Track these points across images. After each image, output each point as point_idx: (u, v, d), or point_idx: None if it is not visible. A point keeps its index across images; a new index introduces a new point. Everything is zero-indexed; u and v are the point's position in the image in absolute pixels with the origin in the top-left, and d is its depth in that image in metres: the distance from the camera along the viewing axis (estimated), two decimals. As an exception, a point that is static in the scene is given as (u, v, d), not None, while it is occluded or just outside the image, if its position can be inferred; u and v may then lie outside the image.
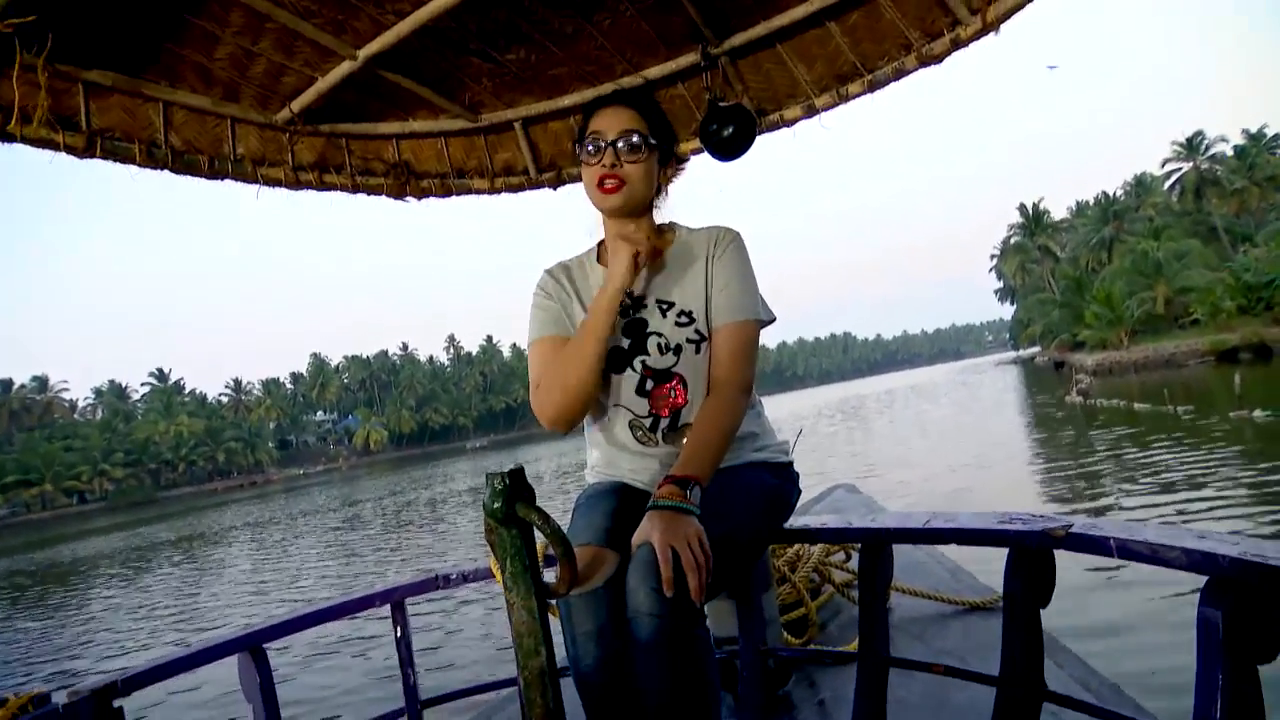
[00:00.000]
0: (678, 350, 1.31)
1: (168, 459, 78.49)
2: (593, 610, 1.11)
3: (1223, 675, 0.90)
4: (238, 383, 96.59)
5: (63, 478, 68.15)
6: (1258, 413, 11.08)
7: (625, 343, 1.33)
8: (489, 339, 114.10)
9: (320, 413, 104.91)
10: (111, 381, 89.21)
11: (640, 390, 1.31)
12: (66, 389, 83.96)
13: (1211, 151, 51.23)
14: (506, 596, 0.94)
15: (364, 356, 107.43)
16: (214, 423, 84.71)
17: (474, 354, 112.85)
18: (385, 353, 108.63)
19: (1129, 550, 1.03)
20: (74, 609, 11.17)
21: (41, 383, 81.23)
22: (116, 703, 1.31)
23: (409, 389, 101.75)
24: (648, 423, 1.32)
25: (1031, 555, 1.17)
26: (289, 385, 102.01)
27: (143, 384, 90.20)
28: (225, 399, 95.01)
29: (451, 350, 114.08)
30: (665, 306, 1.34)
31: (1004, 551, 1.19)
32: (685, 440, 1.25)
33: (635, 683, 1.06)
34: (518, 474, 0.93)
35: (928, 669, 1.40)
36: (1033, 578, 1.17)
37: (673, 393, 1.31)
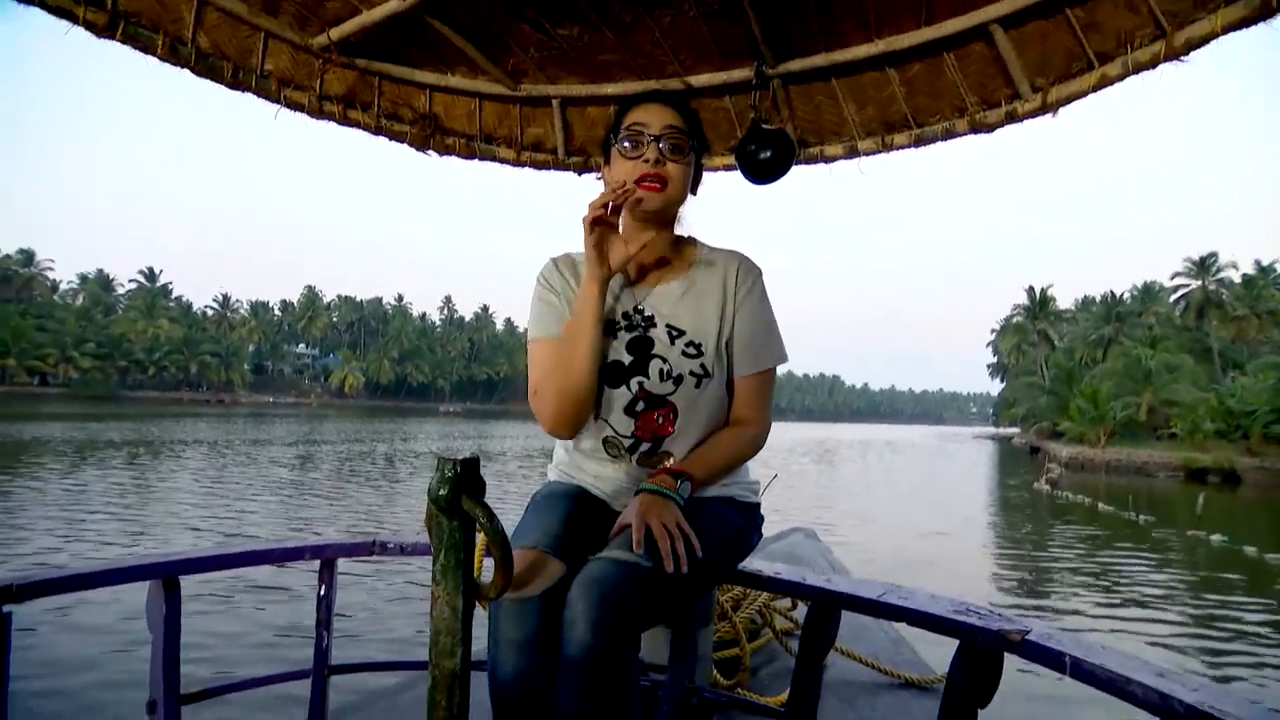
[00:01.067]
0: (678, 380, 1.25)
1: (139, 359, 77.33)
2: (523, 619, 1.05)
3: None
4: (226, 298, 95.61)
5: (28, 355, 66.98)
6: (1214, 537, 11.22)
7: (627, 359, 1.26)
8: (485, 308, 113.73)
9: (302, 346, 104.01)
10: (99, 270, 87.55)
11: (629, 410, 1.25)
12: (51, 268, 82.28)
13: (1221, 275, 51.97)
14: (433, 589, 0.89)
15: (358, 299, 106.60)
16: (194, 333, 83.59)
17: (467, 320, 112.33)
18: (379, 300, 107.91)
19: (1083, 670, 0.99)
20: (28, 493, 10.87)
21: (28, 256, 79.69)
22: (6, 607, 1.23)
23: (395, 340, 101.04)
24: (626, 443, 1.26)
25: (982, 653, 1.12)
26: (277, 312, 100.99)
27: (130, 280, 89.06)
28: (210, 312, 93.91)
29: (446, 311, 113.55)
30: (675, 333, 1.28)
31: (954, 648, 1.15)
32: (666, 464, 1.22)
33: (555, 700, 1.01)
34: (471, 464, 0.87)
35: None
36: (978, 675, 1.13)
37: (660, 419, 1.25)
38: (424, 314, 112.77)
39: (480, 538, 0.98)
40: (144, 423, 30.51)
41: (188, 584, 1.45)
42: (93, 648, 4.35)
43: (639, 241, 1.23)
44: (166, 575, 1.41)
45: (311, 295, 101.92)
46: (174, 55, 1.69)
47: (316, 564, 1.59)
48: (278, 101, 1.90)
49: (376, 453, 20.64)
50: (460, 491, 0.85)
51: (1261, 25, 1.52)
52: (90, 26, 1.54)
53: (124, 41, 1.60)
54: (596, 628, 0.96)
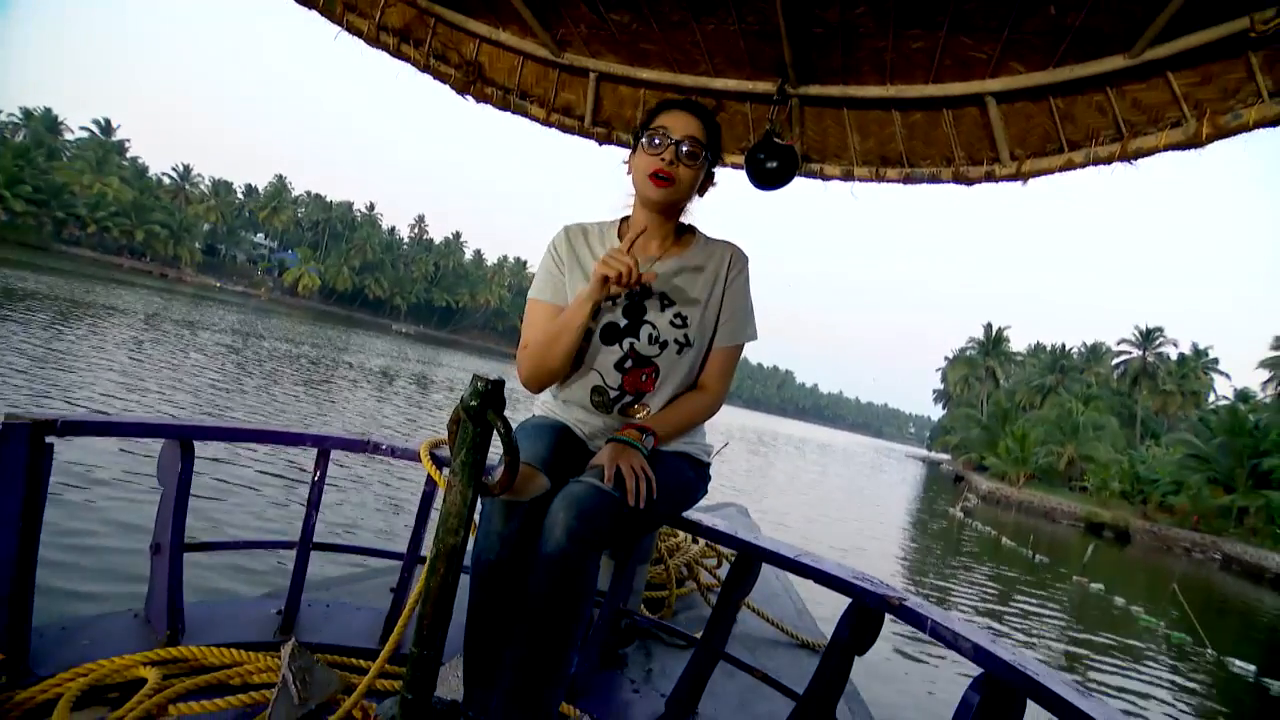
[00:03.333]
0: (663, 345, 1.48)
1: (79, 214, 72.40)
2: (509, 518, 1.29)
3: None
4: (186, 169, 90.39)
5: (-49, 188, 61.93)
6: (1094, 585, 12.25)
7: (622, 322, 1.48)
8: (456, 234, 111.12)
9: (261, 235, 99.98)
10: (47, 109, 79.15)
11: (619, 366, 1.48)
12: (-3, 98, 75.22)
13: (1160, 349, 54.84)
14: (449, 479, 1.10)
15: (327, 199, 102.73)
16: (145, 199, 78.76)
17: (437, 243, 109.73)
18: (349, 205, 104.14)
19: (938, 632, 1.28)
20: None
21: (-27, 80, 73.14)
22: (49, 439, 1.40)
23: (359, 249, 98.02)
24: (612, 394, 1.49)
25: (867, 611, 1.42)
26: (240, 195, 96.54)
27: (82, 128, 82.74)
28: (167, 180, 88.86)
29: (416, 230, 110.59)
30: (666, 303, 1.50)
31: (846, 603, 1.44)
32: (641, 415, 1.45)
33: (529, 585, 1.25)
34: (499, 384, 1.08)
35: (750, 670, 1.65)
36: (861, 628, 1.43)
37: (644, 377, 1.48)
38: (393, 228, 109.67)
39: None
40: (75, 281, 29.15)
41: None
42: (97, 490, 4.67)
43: (648, 230, 1.46)
44: (183, 436, 1.59)
45: (280, 185, 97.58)
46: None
47: (314, 452, 1.78)
48: (339, 23, 2.01)
49: (324, 361, 20.35)
50: (487, 405, 1.06)
51: (1197, 151, 1.84)
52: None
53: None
54: (571, 534, 1.21)
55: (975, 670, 1.21)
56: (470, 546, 1.29)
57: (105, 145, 79.73)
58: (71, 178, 72.16)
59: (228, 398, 10.49)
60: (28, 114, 79.01)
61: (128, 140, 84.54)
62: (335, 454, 1.83)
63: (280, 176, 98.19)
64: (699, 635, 1.68)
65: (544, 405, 1.61)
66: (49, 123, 79.01)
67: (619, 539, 1.33)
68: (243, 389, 11.65)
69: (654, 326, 1.48)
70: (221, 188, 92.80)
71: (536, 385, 1.49)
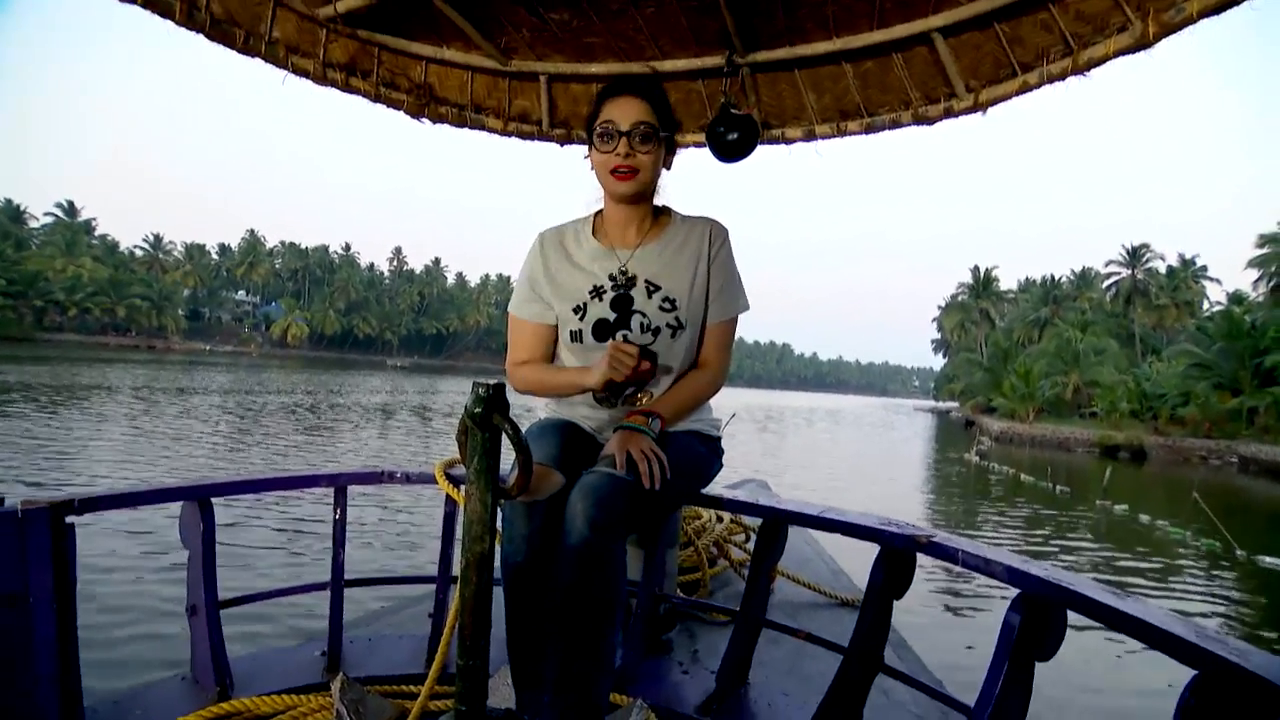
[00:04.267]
0: (656, 332, 1.48)
1: (58, 299, 72.03)
2: (531, 518, 1.31)
3: (1009, 666, 1.18)
4: (158, 238, 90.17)
5: (-76, 291, 61.43)
6: (1118, 507, 12.31)
7: (612, 316, 1.48)
8: (436, 261, 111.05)
9: (242, 293, 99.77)
10: (8, 200, 78.06)
11: None
12: (-48, 197, 74.88)
13: (1149, 265, 55.00)
14: (466, 489, 1.11)
15: (303, 246, 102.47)
16: (121, 275, 78.32)
17: (418, 272, 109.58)
18: (326, 248, 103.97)
19: (970, 562, 1.30)
20: None
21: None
22: (69, 519, 1.40)
23: (341, 291, 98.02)
24: (615, 385, 1.49)
25: (897, 554, 1.43)
26: (215, 256, 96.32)
27: (46, 214, 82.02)
28: (140, 253, 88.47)
29: (395, 263, 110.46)
30: (653, 289, 1.49)
31: (877, 552, 1.46)
32: (645, 402, 1.47)
33: (556, 579, 1.26)
34: (500, 387, 1.09)
35: (793, 633, 1.67)
36: (894, 572, 1.44)
37: (643, 367, 1.48)
38: (372, 264, 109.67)
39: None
40: (62, 366, 29.06)
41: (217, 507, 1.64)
42: (125, 560, 4.77)
43: (623, 220, 1.49)
44: (201, 496, 1.60)
45: (253, 240, 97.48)
46: (190, 20, 1.80)
47: (331, 492, 1.79)
48: (285, 67, 2.01)
49: (323, 405, 20.34)
50: (492, 410, 1.07)
51: (1151, 51, 1.85)
52: (113, -13, 1.64)
53: (145, 6, 1.70)
54: (592, 524, 1.22)
55: (1012, 593, 1.23)
56: (497, 554, 1.31)
57: (72, 227, 79.42)
58: (44, 264, 71.83)
59: (234, 457, 10.49)
60: (-11, 208, 78.36)
61: (94, 219, 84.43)
62: (352, 490, 1.84)
63: (252, 231, 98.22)
64: (738, 609, 1.70)
65: (548, 407, 1.62)
66: (11, 213, 78.41)
67: (640, 523, 1.35)
68: (246, 446, 11.65)
69: (644, 315, 1.48)
70: (195, 251, 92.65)
71: (529, 395, 1.56)
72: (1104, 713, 3.87)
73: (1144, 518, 11.42)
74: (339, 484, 1.79)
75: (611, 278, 1.50)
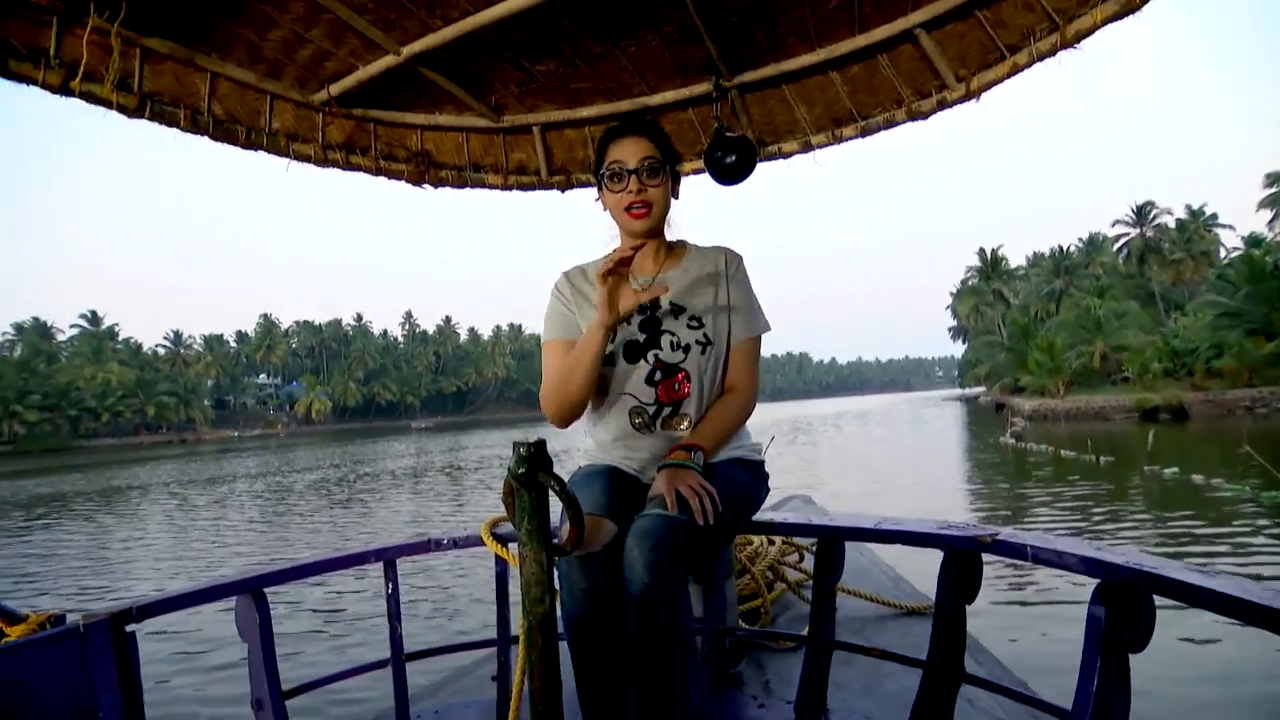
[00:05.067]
0: (687, 349, 1.49)
1: (90, 407, 74.37)
2: (589, 570, 1.29)
3: (1101, 660, 1.12)
4: (177, 335, 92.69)
5: (-35, 414, 63.86)
6: (1167, 471, 11.92)
7: (641, 337, 1.50)
8: (447, 319, 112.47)
9: (263, 376, 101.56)
10: (35, 319, 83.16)
11: (649, 380, 1.49)
12: (-15, 322, 78.33)
13: (1157, 221, 54.30)
14: (520, 551, 1.09)
15: (316, 323, 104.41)
16: (146, 374, 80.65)
17: (430, 333, 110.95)
18: (338, 322, 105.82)
19: (1041, 556, 1.25)
20: None
21: (-41, 312, 75.93)
22: (129, 628, 1.41)
23: (359, 361, 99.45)
24: (650, 410, 1.49)
25: (962, 557, 1.38)
26: (233, 344, 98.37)
27: (71, 325, 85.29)
28: (163, 351, 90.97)
29: (407, 327, 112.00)
30: (678, 309, 1.52)
31: (940, 561, 1.41)
32: (683, 426, 1.46)
33: (621, 628, 1.24)
34: (541, 445, 1.08)
35: (866, 653, 1.61)
36: (961, 577, 1.39)
37: (678, 385, 1.49)
38: (385, 331, 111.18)
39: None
40: (101, 471, 29.64)
41: (271, 597, 1.63)
42: (185, 660, 4.83)
43: (640, 253, 1.47)
44: (254, 588, 1.59)
45: (268, 323, 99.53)
46: (194, 125, 1.86)
47: (380, 566, 1.77)
48: (286, 155, 2.06)
49: (351, 476, 20.45)
50: (535, 468, 1.05)
51: (1136, 16, 1.84)
52: (123, 110, 1.70)
53: (151, 119, 1.76)
54: (652, 568, 1.19)
55: (1090, 583, 1.17)
56: (558, 611, 1.28)
57: (97, 335, 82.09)
58: (74, 375, 74.19)
59: (272, 543, 10.53)
60: (19, 328, 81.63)
61: (116, 324, 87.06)
62: (401, 562, 1.82)
63: (266, 315, 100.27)
64: (805, 632, 1.64)
65: (588, 454, 1.60)
66: (41, 330, 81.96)
67: (698, 560, 1.32)
68: (285, 528, 11.70)
69: (673, 334, 1.50)
70: (214, 342, 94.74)
71: (561, 419, 1.47)
72: (1209, 704, 3.60)
73: (1197, 478, 11.04)
74: (387, 558, 1.77)
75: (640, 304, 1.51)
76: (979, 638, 2.06)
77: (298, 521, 12.32)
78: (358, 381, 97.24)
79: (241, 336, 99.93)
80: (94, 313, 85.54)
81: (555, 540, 1.11)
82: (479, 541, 1.72)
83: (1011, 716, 1.63)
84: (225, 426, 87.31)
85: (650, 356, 1.49)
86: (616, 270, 1.36)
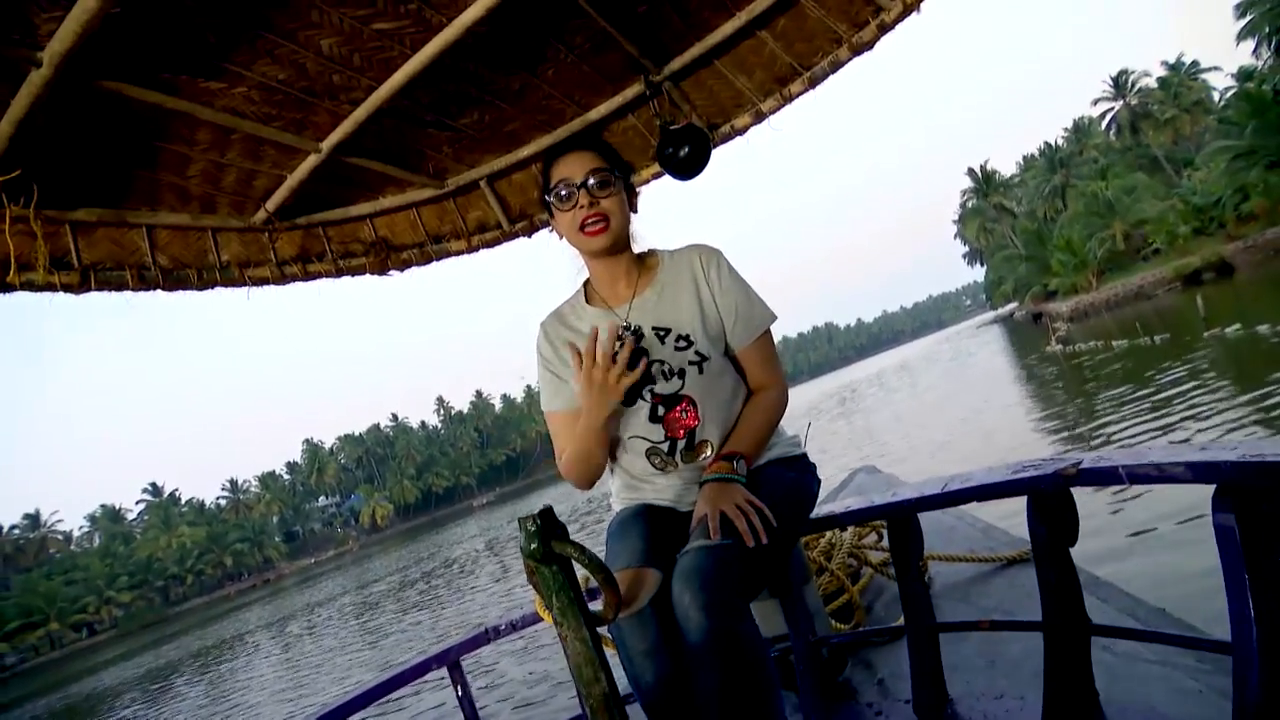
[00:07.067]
0: (681, 374, 1.37)
1: (174, 573, 76.80)
2: (643, 629, 1.15)
3: (1248, 574, 0.95)
4: (234, 483, 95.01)
5: (68, 613, 66.20)
6: (1229, 330, 11.29)
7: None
8: (478, 394, 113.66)
9: (322, 498, 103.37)
10: (104, 505, 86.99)
11: (653, 418, 1.37)
12: (60, 521, 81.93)
13: (1138, 87, 52.86)
14: (559, 631, 0.98)
15: (356, 434, 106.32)
16: (215, 528, 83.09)
17: (465, 412, 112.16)
18: (377, 426, 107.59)
19: (1137, 475, 1.07)
20: None
21: (33, 520, 79.27)
22: None
23: (406, 458, 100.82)
24: (664, 448, 1.37)
25: (1049, 498, 1.22)
26: (286, 476, 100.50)
27: (137, 501, 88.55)
28: (224, 501, 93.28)
29: (442, 411, 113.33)
30: (662, 333, 1.39)
31: (1025, 506, 1.25)
32: (706, 453, 1.33)
33: (697, 685, 1.10)
34: (547, 513, 0.97)
35: (974, 627, 1.45)
36: (1055, 519, 1.23)
37: (684, 414, 1.36)
38: (423, 422, 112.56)
39: (580, 576, 1.07)
40: (198, 632, 30.26)
41: None
42: None
43: (609, 271, 1.41)
44: None
45: (312, 447, 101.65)
46: (143, 282, 1.81)
47: (444, 671, 1.67)
48: (244, 284, 2.02)
49: (433, 569, 20.50)
50: (549, 539, 0.95)
51: None
52: (67, 289, 1.66)
53: (98, 289, 1.72)
54: (707, 609, 1.06)
55: (1203, 491, 1.00)
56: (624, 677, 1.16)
57: (163, 504, 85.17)
58: (151, 548, 76.91)
59: (369, 655, 10.52)
60: (92, 518, 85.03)
61: (176, 489, 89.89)
62: (466, 659, 1.71)
63: (308, 440, 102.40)
64: (903, 622, 1.49)
65: (618, 496, 1.49)
66: (111, 515, 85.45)
67: (759, 582, 1.19)
68: (379, 639, 11.69)
69: (663, 362, 1.38)
70: (268, 479, 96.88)
71: (586, 486, 1.43)
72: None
73: (1262, 328, 10.44)
74: (450, 660, 1.67)
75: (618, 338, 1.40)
76: (1095, 570, 1.87)
77: (388, 634, 12.32)
78: (410, 478, 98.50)
79: (292, 466, 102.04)
80: (154, 484, 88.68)
81: (595, 610, 0.99)
82: (537, 619, 1.62)
83: (1161, 657, 1.44)
84: (300, 556, 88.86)
85: (646, 394, 1.37)
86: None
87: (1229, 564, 0.97)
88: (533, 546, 0.93)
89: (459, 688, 1.66)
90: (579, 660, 0.95)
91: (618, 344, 1.29)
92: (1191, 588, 3.06)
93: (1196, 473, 0.99)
